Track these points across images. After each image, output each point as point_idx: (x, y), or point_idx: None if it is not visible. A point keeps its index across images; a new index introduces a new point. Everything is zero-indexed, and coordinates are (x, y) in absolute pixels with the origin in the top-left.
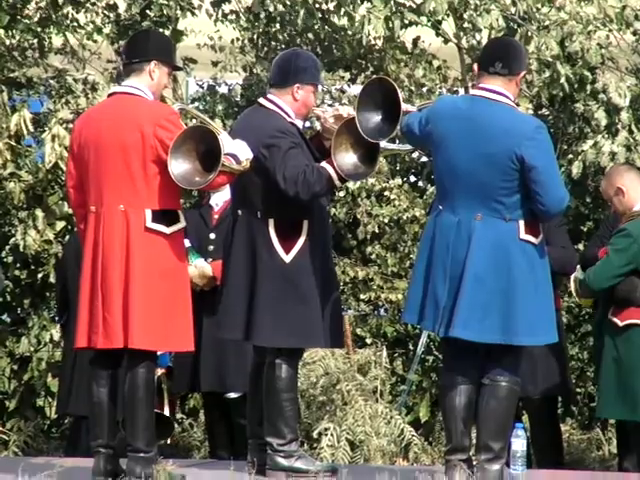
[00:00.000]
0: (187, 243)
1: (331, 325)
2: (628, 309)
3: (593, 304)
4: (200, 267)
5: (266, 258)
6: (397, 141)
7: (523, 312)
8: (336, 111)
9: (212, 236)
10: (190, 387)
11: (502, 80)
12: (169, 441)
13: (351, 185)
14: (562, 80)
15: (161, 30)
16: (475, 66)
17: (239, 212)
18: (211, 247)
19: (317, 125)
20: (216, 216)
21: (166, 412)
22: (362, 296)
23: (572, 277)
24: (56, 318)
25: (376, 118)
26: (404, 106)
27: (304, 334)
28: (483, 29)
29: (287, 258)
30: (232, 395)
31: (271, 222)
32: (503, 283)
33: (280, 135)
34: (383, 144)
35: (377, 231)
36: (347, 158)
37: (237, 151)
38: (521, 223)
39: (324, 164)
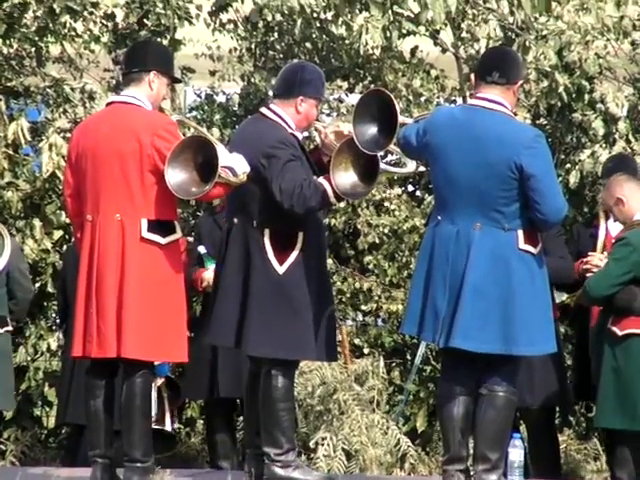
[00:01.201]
0: (202, 249)
1: (324, 338)
2: (627, 318)
3: (575, 303)
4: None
5: (260, 268)
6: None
7: (523, 322)
8: (337, 127)
9: None
10: (209, 394)
11: (499, 89)
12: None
13: None
14: (560, 90)
15: (159, 39)
16: (472, 75)
17: (235, 220)
18: None
19: (315, 135)
20: None
21: (167, 422)
22: (363, 307)
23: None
24: (53, 327)
25: (373, 130)
26: (401, 118)
27: (295, 346)
28: (481, 39)
29: (280, 270)
30: None
31: (266, 232)
32: (503, 293)
33: (280, 146)
34: (383, 166)
35: (377, 241)
36: (346, 177)
37: (234, 164)
38: (520, 233)
39: (322, 180)
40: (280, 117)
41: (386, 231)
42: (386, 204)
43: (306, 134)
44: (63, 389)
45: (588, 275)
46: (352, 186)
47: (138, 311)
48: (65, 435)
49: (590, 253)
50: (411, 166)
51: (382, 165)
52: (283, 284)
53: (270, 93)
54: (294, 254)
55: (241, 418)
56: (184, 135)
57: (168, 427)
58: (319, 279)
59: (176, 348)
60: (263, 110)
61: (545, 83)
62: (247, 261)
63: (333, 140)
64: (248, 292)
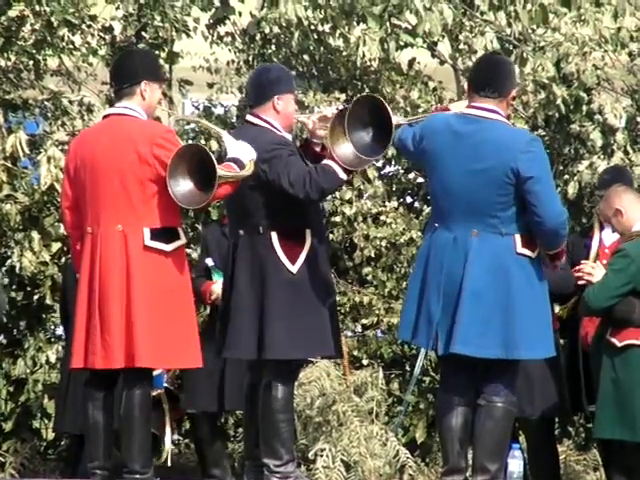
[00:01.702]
0: (210, 262)
1: (335, 333)
2: (626, 329)
3: (567, 313)
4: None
5: (273, 272)
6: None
7: (522, 326)
8: (320, 113)
9: None
10: (219, 406)
11: (493, 101)
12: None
13: (347, 211)
14: (558, 101)
15: (157, 52)
16: (466, 86)
17: (240, 232)
18: None
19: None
20: None
21: (167, 433)
22: (364, 321)
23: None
24: (52, 339)
25: (367, 136)
26: (395, 119)
27: (316, 344)
28: (479, 51)
29: (294, 268)
30: None
31: (274, 235)
32: (502, 297)
33: (278, 147)
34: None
35: (372, 255)
36: (346, 148)
37: (240, 154)
38: (517, 237)
39: (326, 161)
40: (266, 122)
41: (383, 244)
42: (382, 217)
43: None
44: (60, 399)
45: (580, 283)
46: (355, 155)
47: (148, 319)
48: (64, 447)
49: (583, 261)
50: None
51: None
52: (298, 283)
53: None
54: (304, 251)
55: (240, 430)
56: (185, 141)
57: (168, 439)
58: (327, 274)
59: (189, 354)
60: (249, 118)
61: (543, 95)
62: (260, 269)
63: (320, 124)
64: (264, 298)
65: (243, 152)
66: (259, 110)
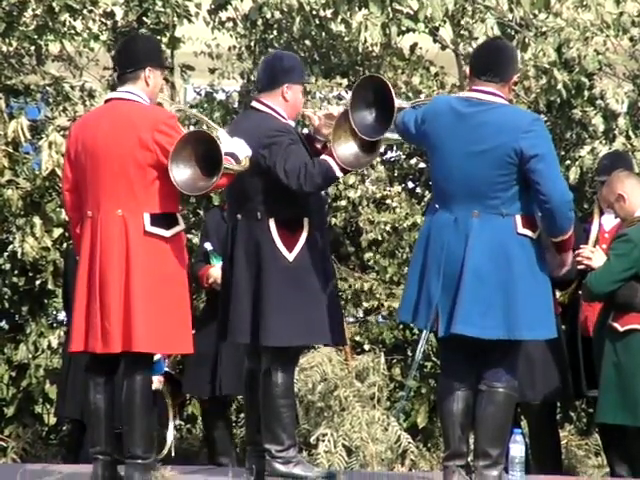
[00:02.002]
0: (209, 246)
1: (336, 321)
2: (628, 314)
3: (568, 298)
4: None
5: (270, 259)
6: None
7: (524, 306)
8: (326, 110)
9: None
10: (212, 392)
11: (494, 85)
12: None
13: (352, 194)
14: (559, 87)
15: (158, 37)
16: (467, 70)
17: (238, 216)
18: None
19: (305, 131)
20: None
21: (170, 428)
22: (365, 304)
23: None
24: (54, 325)
25: (370, 116)
26: (397, 102)
27: (312, 331)
28: (480, 37)
29: (290, 257)
30: None
31: (272, 222)
32: (503, 278)
33: (278, 134)
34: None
35: (379, 238)
36: (347, 148)
37: (236, 149)
38: (518, 217)
39: (324, 156)
40: (271, 108)
41: (387, 228)
42: (387, 201)
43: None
44: (62, 384)
45: (579, 267)
46: (355, 156)
47: (146, 304)
48: (66, 432)
49: (582, 246)
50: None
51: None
52: (294, 271)
53: None
54: (302, 240)
55: (242, 415)
56: (187, 127)
57: (170, 433)
58: (325, 261)
59: (182, 340)
60: (254, 104)
61: (544, 80)
62: (256, 254)
63: (325, 121)
64: (260, 284)
65: (239, 148)
66: (267, 96)
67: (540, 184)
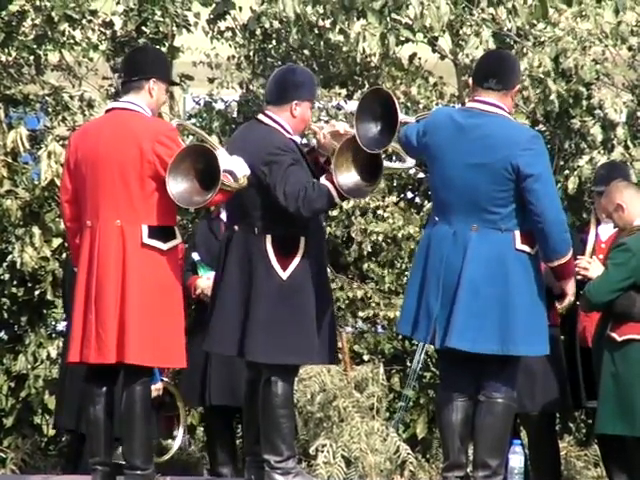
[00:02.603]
0: (196, 257)
1: (327, 341)
2: (627, 324)
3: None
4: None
5: (263, 275)
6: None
7: (519, 322)
8: (332, 127)
9: None
10: (201, 401)
11: (497, 95)
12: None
13: (345, 204)
14: (552, 97)
15: (157, 47)
16: (470, 80)
17: (235, 228)
18: None
19: (313, 141)
20: None
21: (180, 433)
22: (361, 314)
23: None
24: (53, 335)
25: (374, 129)
26: (402, 116)
27: (298, 351)
28: (475, 48)
29: (284, 275)
30: None
31: (268, 238)
32: (499, 293)
33: (280, 152)
34: (385, 163)
35: (369, 250)
36: (348, 177)
37: (234, 168)
38: (517, 233)
39: (324, 181)
40: (277, 122)
41: (380, 239)
42: (379, 212)
43: (305, 141)
44: (59, 395)
45: (577, 277)
46: (356, 185)
47: (140, 317)
48: (65, 443)
49: (579, 257)
50: (410, 161)
51: (385, 162)
52: (287, 290)
53: None
54: (297, 259)
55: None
56: (184, 141)
57: (179, 437)
58: (320, 282)
59: (175, 354)
60: (259, 116)
61: (539, 90)
62: (249, 268)
63: (330, 140)
64: (250, 299)
65: (237, 167)
66: (274, 109)
67: (534, 204)
